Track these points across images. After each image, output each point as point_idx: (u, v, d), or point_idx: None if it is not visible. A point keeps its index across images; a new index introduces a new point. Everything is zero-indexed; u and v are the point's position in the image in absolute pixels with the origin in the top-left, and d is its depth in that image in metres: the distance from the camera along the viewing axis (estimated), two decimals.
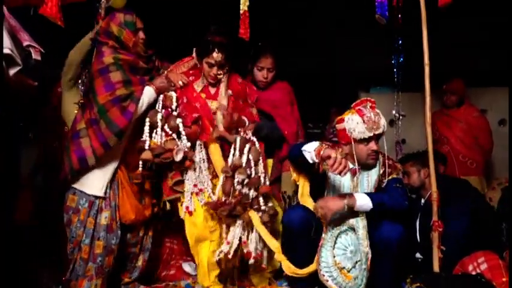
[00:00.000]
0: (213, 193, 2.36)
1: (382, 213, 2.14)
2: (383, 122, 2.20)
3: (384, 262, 2.12)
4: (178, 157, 2.28)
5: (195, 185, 2.36)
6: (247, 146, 2.35)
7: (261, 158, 2.40)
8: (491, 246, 2.19)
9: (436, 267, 2.17)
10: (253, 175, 2.33)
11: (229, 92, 2.50)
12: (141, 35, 2.38)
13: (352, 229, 2.16)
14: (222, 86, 2.51)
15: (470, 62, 4.41)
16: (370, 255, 2.07)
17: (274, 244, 2.31)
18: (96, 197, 2.27)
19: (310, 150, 2.08)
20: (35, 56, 1.98)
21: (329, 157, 1.96)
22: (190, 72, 2.53)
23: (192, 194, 2.35)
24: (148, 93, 2.35)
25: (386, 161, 2.28)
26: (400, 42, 2.62)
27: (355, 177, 2.23)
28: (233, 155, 2.34)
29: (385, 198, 2.15)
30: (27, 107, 1.99)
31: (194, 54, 2.52)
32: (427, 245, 2.30)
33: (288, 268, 2.24)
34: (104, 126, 2.22)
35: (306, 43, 4.44)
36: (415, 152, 2.80)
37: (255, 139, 2.43)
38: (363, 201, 2.10)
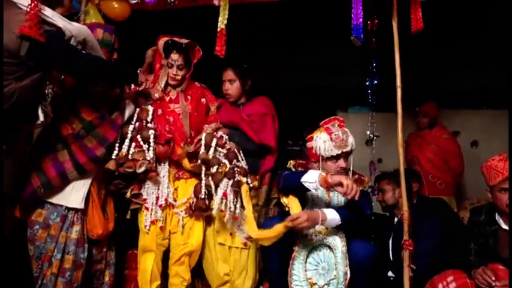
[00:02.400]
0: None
1: (353, 223, 2.20)
2: (351, 140, 2.25)
3: (355, 280, 2.11)
4: (141, 169, 2.33)
5: (148, 198, 2.45)
6: (215, 140, 2.46)
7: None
8: (461, 265, 2.22)
9: (406, 286, 2.20)
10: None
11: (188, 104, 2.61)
12: (115, 56, 2.43)
13: (328, 246, 2.16)
14: (181, 96, 2.60)
15: (444, 84, 4.55)
16: (349, 275, 2.06)
17: (249, 208, 2.35)
18: (70, 210, 2.22)
19: (313, 181, 2.08)
20: None
21: (341, 184, 1.98)
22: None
23: (149, 208, 2.44)
24: (129, 108, 2.41)
25: (352, 176, 2.32)
26: (375, 64, 2.69)
27: (330, 193, 2.27)
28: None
29: (350, 211, 2.17)
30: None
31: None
32: (399, 263, 2.33)
33: (254, 232, 2.23)
34: (94, 142, 2.23)
35: (286, 63, 4.51)
36: (392, 171, 2.85)
37: (225, 136, 2.54)
38: (332, 218, 2.12)
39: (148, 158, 2.37)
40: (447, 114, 4.31)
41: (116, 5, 2.69)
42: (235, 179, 2.39)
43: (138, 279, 2.50)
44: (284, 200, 2.31)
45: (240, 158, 2.50)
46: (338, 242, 2.13)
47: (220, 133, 2.54)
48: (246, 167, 2.50)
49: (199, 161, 2.44)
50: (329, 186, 2.03)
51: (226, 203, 2.38)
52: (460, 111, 4.45)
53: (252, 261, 2.53)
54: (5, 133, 1.92)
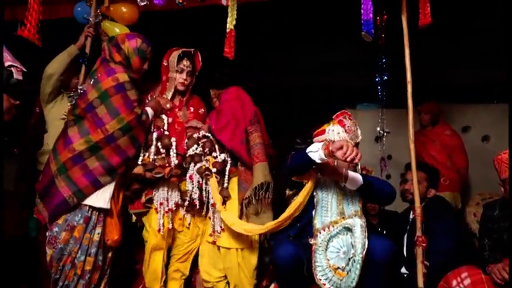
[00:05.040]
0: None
1: (375, 193, 2.23)
2: (359, 131, 2.33)
3: (371, 276, 2.08)
4: (169, 174, 2.44)
5: (163, 202, 2.52)
6: (195, 146, 2.59)
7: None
8: (474, 261, 2.21)
9: (420, 283, 2.18)
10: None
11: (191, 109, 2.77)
12: (145, 65, 2.49)
13: (346, 229, 2.15)
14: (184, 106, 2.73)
15: (454, 78, 4.51)
16: (366, 246, 2.02)
17: (217, 197, 2.50)
18: (94, 211, 2.25)
19: (317, 150, 2.06)
20: (17, 75, 2.01)
21: (341, 147, 1.97)
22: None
23: (161, 211, 2.52)
24: (150, 115, 2.48)
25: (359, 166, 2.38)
26: (384, 60, 2.67)
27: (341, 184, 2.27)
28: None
29: (374, 180, 2.25)
30: (11, 122, 2.00)
31: (166, 66, 2.67)
32: (414, 260, 2.31)
33: (232, 224, 2.37)
34: (128, 143, 2.29)
35: (293, 61, 4.50)
36: (428, 165, 2.89)
37: (209, 135, 2.65)
38: (354, 177, 2.17)
39: (172, 165, 2.47)
40: (458, 108, 4.26)
41: (124, 10, 2.72)
42: (202, 165, 2.52)
43: (148, 277, 2.55)
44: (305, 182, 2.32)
45: (218, 151, 2.59)
46: (357, 221, 2.13)
47: (202, 132, 2.65)
48: (223, 160, 2.57)
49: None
50: (330, 153, 2.01)
51: (192, 185, 2.52)
52: (471, 105, 4.39)
53: (234, 262, 2.54)
54: (15, 135, 1.95)
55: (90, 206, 2.24)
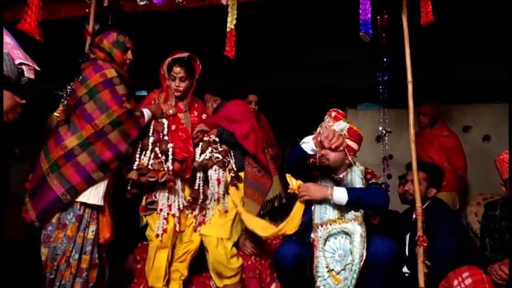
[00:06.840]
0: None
1: (364, 206, 2.20)
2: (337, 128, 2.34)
3: (373, 277, 2.08)
4: (163, 179, 2.44)
5: (164, 208, 2.56)
6: (210, 148, 2.68)
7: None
8: (476, 261, 2.20)
9: (421, 283, 2.18)
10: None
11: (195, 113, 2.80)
12: (129, 55, 2.50)
13: (344, 233, 2.15)
14: (186, 104, 2.77)
15: (455, 77, 4.51)
16: (364, 257, 2.03)
17: (239, 201, 2.63)
18: (86, 210, 2.23)
19: (308, 141, 2.13)
20: (28, 74, 1.98)
21: (327, 136, 2.03)
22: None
23: (163, 215, 2.56)
24: (147, 115, 2.47)
25: (366, 170, 2.40)
26: (385, 60, 2.67)
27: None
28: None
29: (363, 192, 2.20)
30: (13, 122, 1.97)
31: (162, 73, 2.73)
32: (415, 259, 2.31)
33: (250, 223, 2.41)
34: (119, 137, 2.27)
35: (295, 62, 4.51)
36: (431, 165, 2.85)
37: (217, 139, 2.73)
38: (340, 194, 2.17)
39: (167, 171, 2.47)
40: (459, 108, 4.26)
41: None
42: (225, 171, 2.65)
43: (151, 275, 2.55)
44: (293, 182, 2.33)
45: (231, 157, 2.73)
46: (357, 228, 2.12)
47: (212, 137, 2.70)
48: (235, 168, 2.71)
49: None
50: (319, 142, 2.06)
51: (219, 188, 2.62)
52: (472, 105, 4.38)
53: (213, 245, 2.63)
54: (17, 137, 1.93)
55: (81, 204, 2.22)
